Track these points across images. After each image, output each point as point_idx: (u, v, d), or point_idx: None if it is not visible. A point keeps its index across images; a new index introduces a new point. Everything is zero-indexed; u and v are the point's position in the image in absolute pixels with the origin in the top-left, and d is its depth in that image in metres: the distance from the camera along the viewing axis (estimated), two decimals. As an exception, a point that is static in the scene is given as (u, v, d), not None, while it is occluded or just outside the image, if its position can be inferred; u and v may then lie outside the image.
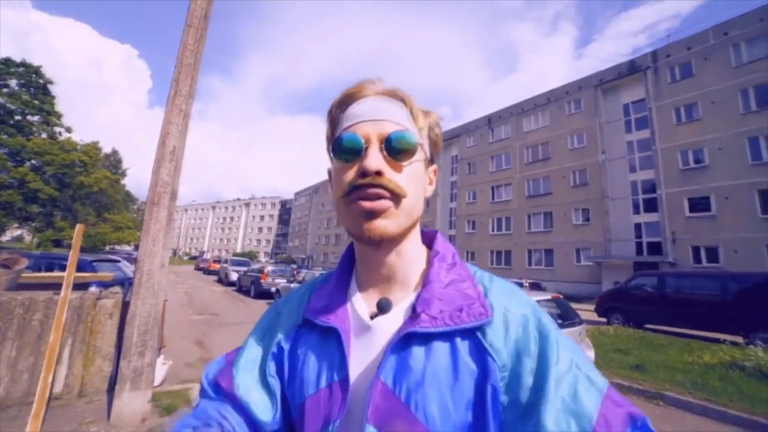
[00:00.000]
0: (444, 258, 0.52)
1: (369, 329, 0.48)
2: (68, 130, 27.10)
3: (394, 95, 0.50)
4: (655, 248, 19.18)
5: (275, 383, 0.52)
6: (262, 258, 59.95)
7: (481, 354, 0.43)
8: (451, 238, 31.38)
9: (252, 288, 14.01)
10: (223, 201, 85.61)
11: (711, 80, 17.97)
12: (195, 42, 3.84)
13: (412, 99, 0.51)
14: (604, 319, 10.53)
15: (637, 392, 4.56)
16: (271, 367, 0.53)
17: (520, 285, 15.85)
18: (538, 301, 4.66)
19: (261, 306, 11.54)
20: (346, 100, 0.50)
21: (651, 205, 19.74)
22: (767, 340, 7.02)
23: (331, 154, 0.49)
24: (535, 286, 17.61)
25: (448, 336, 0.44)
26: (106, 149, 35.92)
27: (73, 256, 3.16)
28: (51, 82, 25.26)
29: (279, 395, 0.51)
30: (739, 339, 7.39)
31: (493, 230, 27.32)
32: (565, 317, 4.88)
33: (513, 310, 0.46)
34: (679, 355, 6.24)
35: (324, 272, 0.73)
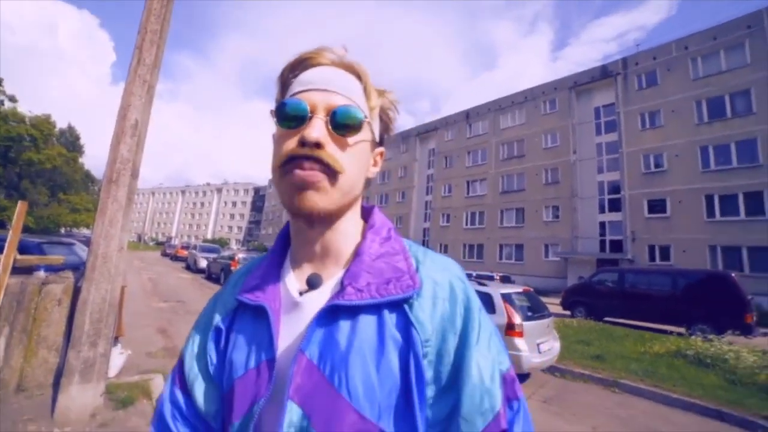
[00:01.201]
0: (378, 231, 0.51)
1: (297, 305, 0.47)
2: (11, 99, 24.37)
3: (351, 68, 0.49)
4: (617, 246, 20.45)
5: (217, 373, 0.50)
6: (234, 245, 58.11)
7: (406, 327, 0.43)
8: (426, 231, 31.80)
9: (222, 275, 13.50)
10: (193, 185, 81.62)
11: (672, 90, 19.15)
12: (161, 6, 3.50)
13: (368, 75, 0.50)
14: (568, 312, 11.12)
15: (596, 380, 4.84)
16: (212, 354, 0.50)
17: (491, 278, 16.39)
18: (511, 294, 4.84)
19: (231, 295, 11.14)
20: (301, 64, 0.48)
21: (615, 206, 20.94)
22: (705, 331, 7.72)
23: (275, 118, 0.46)
24: (506, 279, 18.29)
25: (375, 309, 0.43)
26: (62, 125, 32.87)
27: (13, 236, 2.83)
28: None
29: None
30: (683, 330, 8.07)
31: (466, 224, 27.96)
32: (535, 309, 5.06)
33: (442, 284, 0.46)
34: (633, 345, 6.70)
35: None
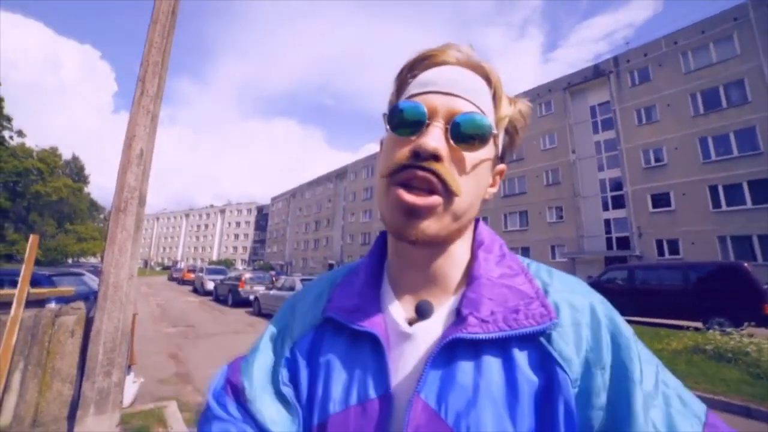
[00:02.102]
0: (490, 249, 0.44)
1: (408, 337, 0.40)
2: (19, 134, 25.06)
3: (480, 69, 0.42)
4: (624, 243, 20.25)
5: (291, 394, 0.43)
6: (240, 265, 58.10)
7: (547, 364, 0.35)
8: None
9: (230, 297, 13.48)
10: (196, 208, 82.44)
11: (665, 85, 19.31)
12: (162, 39, 3.63)
13: (500, 79, 0.43)
14: (580, 313, 10.92)
15: (615, 382, 4.73)
16: (284, 374, 0.44)
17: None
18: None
19: (240, 315, 11.11)
20: (421, 62, 0.43)
21: (618, 202, 20.85)
22: (722, 324, 7.54)
23: (387, 124, 0.41)
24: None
25: (502, 343, 0.36)
26: (67, 155, 33.60)
27: (26, 270, 2.88)
28: (-3, 83, 23.29)
29: (298, 409, 0.42)
30: (700, 325, 7.90)
31: (472, 230, 27.84)
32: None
33: (582, 309, 0.38)
34: (650, 343, 6.55)
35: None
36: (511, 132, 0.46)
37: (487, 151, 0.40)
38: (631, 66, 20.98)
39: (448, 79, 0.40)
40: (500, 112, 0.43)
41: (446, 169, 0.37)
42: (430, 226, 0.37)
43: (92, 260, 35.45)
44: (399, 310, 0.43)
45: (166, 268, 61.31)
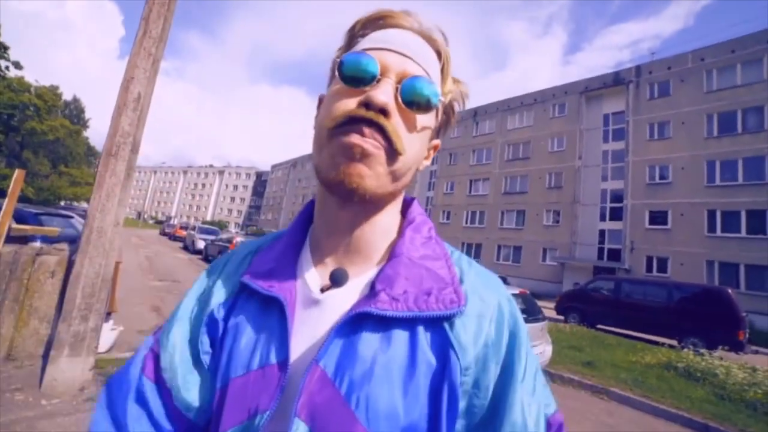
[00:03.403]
0: (418, 229, 0.44)
1: (317, 304, 0.40)
2: (16, 65, 23.93)
3: (432, 41, 0.42)
4: (615, 255, 20.44)
5: (208, 360, 0.43)
6: (233, 228, 58.14)
7: (443, 349, 0.37)
8: (427, 227, 31.73)
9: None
10: (195, 166, 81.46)
11: (684, 102, 18.93)
12: (171, -23, 3.40)
13: (449, 55, 0.43)
14: (562, 317, 11.16)
15: (586, 387, 4.85)
16: (205, 341, 0.43)
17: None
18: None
19: (227, 278, 11.18)
20: (377, 21, 0.41)
21: (616, 214, 20.87)
22: (696, 345, 7.75)
23: (336, 73, 0.39)
24: (502, 281, 18.33)
25: (409, 323, 0.37)
26: (67, 96, 32.59)
27: (8, 204, 2.79)
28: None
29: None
30: (675, 343, 8.10)
31: (466, 222, 27.92)
32: (530, 313, 5.04)
33: (489, 303, 0.40)
34: (625, 354, 6.72)
35: None
36: (448, 111, 0.46)
37: (429, 119, 0.41)
38: (653, 78, 20.48)
39: (402, 42, 0.39)
40: (445, 87, 0.43)
41: (393, 126, 0.36)
42: (367, 174, 0.36)
43: (85, 205, 35.20)
44: (314, 276, 0.42)
45: (159, 222, 61.13)
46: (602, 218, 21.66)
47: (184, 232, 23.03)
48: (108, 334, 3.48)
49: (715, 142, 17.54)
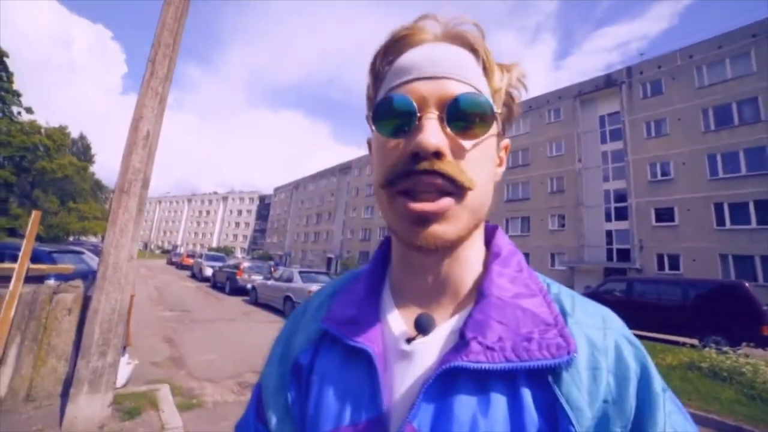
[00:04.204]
0: (507, 262, 0.39)
1: (406, 356, 0.36)
2: (28, 110, 25.15)
3: (463, 40, 0.37)
4: (624, 255, 20.16)
5: (296, 411, 0.41)
6: (239, 254, 58.37)
7: (552, 408, 0.30)
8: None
9: (227, 284, 13.53)
10: (199, 194, 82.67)
11: (678, 98, 19.12)
12: (174, 21, 3.61)
13: (486, 46, 0.37)
14: (576, 322, 10.90)
15: (608, 393, 4.72)
16: (293, 390, 0.41)
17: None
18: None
19: (236, 303, 11.15)
20: (395, 46, 0.37)
21: (622, 214, 20.73)
22: (719, 343, 7.51)
23: (372, 125, 0.36)
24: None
25: (509, 376, 0.32)
26: (74, 134, 33.74)
27: (26, 246, 2.88)
28: (6, 55, 23.21)
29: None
30: (696, 342, 7.86)
31: (472, 233, 27.83)
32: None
33: (605, 348, 0.33)
34: (645, 357, 6.53)
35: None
36: (508, 103, 0.40)
37: (492, 132, 0.36)
38: (644, 78, 20.78)
39: (430, 60, 0.34)
40: (494, 84, 0.37)
41: (452, 164, 0.32)
42: (447, 230, 0.33)
43: (93, 239, 35.67)
44: (399, 322, 0.39)
45: (165, 251, 61.62)
46: (608, 219, 21.50)
47: (191, 261, 23.13)
48: (124, 369, 3.49)
49: (714, 136, 17.59)
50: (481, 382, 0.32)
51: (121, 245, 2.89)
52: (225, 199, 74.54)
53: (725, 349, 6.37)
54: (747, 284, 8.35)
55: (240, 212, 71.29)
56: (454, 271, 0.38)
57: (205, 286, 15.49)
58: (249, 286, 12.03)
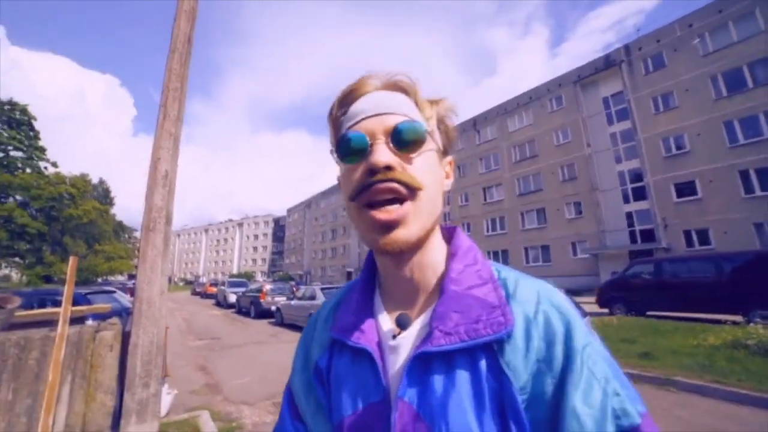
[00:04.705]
0: (462, 258, 0.47)
1: (393, 350, 0.45)
2: (54, 164, 26.94)
3: (396, 87, 0.47)
4: (649, 235, 19.47)
5: (325, 404, 0.50)
6: (260, 277, 59.20)
7: (498, 374, 0.39)
8: (448, 242, 31.35)
9: (252, 308, 13.79)
10: (215, 223, 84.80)
11: (682, 70, 18.64)
12: (180, 66, 3.86)
13: (416, 88, 0.48)
14: (606, 310, 10.58)
15: (647, 380, 4.56)
16: (319, 390, 0.51)
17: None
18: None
19: (262, 326, 11.34)
20: (346, 99, 0.48)
21: (640, 194, 20.13)
22: (766, 317, 7.11)
23: (338, 159, 0.46)
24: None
25: (468, 353, 0.40)
26: (93, 180, 35.55)
27: (68, 289, 3.08)
28: (35, 119, 25.10)
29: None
30: (739, 318, 7.48)
31: (488, 231, 27.49)
32: (570, 310, 4.89)
33: (537, 319, 0.41)
34: (684, 339, 6.28)
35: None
36: (442, 129, 0.50)
37: (429, 147, 0.45)
38: (644, 53, 20.39)
39: (374, 103, 0.45)
40: (426, 114, 0.47)
41: (401, 173, 0.42)
42: (408, 233, 0.42)
43: (119, 278, 36.99)
44: (387, 322, 0.48)
45: (188, 283, 63.18)
46: (626, 200, 20.89)
47: (214, 289, 23.70)
48: (165, 398, 3.64)
49: (728, 102, 16.97)
50: (448, 360, 0.41)
51: (152, 281, 3.06)
52: (240, 225, 76.22)
53: (770, 322, 6.04)
54: (784, 251, 7.94)
55: (256, 236, 72.67)
56: (420, 275, 0.47)
57: (231, 312, 15.81)
58: (273, 308, 12.22)
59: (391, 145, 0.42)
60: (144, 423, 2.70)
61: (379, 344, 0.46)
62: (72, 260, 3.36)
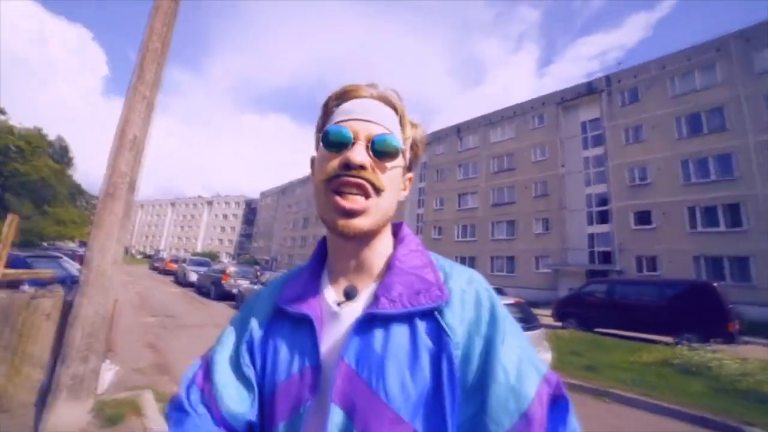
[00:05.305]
0: (407, 245, 0.56)
1: (337, 316, 0.51)
2: (1, 111, 24.13)
3: (388, 101, 0.54)
4: (606, 257, 20.79)
5: (250, 372, 0.52)
6: (224, 258, 57.11)
7: (438, 332, 0.46)
8: (420, 243, 31.73)
9: (212, 289, 13.27)
10: (183, 198, 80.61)
11: (653, 106, 19.99)
12: (163, 26, 3.61)
13: (404, 109, 0.55)
14: (560, 324, 11.21)
15: (588, 390, 4.89)
16: (246, 356, 0.53)
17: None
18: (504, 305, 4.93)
19: (222, 308, 10.96)
20: (344, 95, 0.53)
21: (603, 217, 21.40)
22: (691, 340, 7.86)
23: (320, 143, 0.51)
24: (498, 292, 18.27)
25: (407, 317, 0.47)
26: (51, 136, 32.49)
27: (2, 250, 2.82)
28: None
29: (255, 384, 0.52)
30: (671, 339, 8.20)
31: (458, 237, 28.14)
32: (527, 321, 5.13)
33: (469, 292, 0.50)
34: (623, 355, 6.79)
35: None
36: (414, 149, 0.58)
37: (398, 162, 0.52)
38: (622, 86, 21.65)
39: (365, 109, 0.51)
40: (405, 132, 0.55)
41: (372, 174, 0.48)
42: (363, 223, 0.48)
43: (70, 244, 34.24)
44: (332, 294, 0.54)
45: (147, 256, 59.82)
46: (590, 222, 22.14)
47: (175, 266, 22.56)
48: (106, 375, 3.43)
49: (686, 143, 18.44)
50: (389, 323, 0.47)
51: (106, 249, 2.86)
52: (210, 203, 72.99)
53: (695, 345, 6.69)
54: (715, 284, 8.79)
55: (226, 216, 69.91)
56: (369, 256, 0.54)
57: (190, 292, 15.15)
58: (235, 290, 11.83)
59: (369, 149, 0.49)
60: (77, 400, 2.52)
61: (321, 313, 0.52)
62: (11, 218, 3.07)
